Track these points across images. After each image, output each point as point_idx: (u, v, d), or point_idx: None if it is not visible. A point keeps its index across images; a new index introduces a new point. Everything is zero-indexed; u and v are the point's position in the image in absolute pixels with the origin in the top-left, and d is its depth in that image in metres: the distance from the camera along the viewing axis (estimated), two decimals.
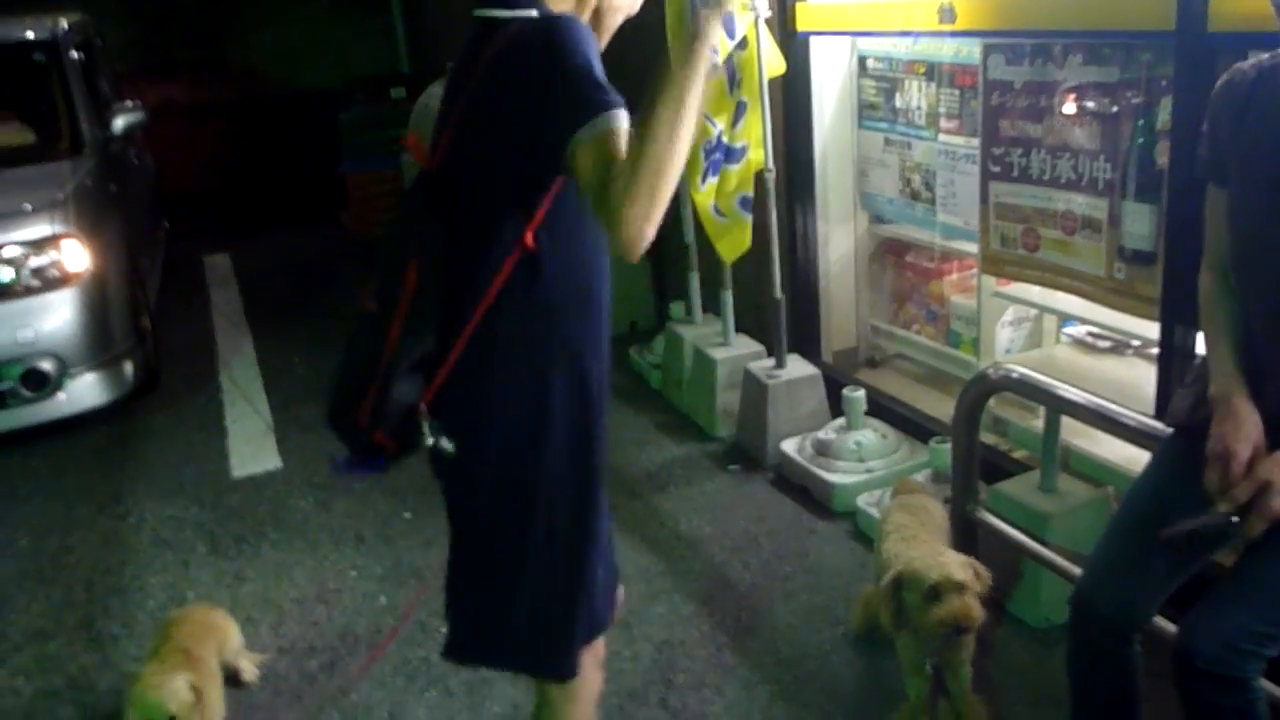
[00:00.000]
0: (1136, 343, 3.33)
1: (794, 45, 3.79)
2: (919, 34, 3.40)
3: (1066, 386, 2.44)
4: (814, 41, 3.86)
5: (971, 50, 3.33)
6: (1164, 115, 2.65)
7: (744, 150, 3.60)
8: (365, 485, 3.88)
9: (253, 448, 4.42)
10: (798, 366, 3.86)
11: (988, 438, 3.17)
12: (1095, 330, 3.45)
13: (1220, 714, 1.75)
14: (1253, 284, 1.87)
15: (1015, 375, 2.54)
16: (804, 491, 3.57)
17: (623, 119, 1.57)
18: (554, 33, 1.62)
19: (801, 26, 3.83)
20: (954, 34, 3.23)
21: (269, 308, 6.42)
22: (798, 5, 3.81)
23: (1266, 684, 1.78)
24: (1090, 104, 2.89)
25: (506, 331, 1.73)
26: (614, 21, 1.83)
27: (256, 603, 3.22)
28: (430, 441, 1.73)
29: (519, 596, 1.86)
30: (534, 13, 1.70)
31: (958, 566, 2.21)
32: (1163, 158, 2.67)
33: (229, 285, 7.02)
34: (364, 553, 3.48)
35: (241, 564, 3.48)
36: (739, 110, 3.55)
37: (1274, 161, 1.81)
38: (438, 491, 1.90)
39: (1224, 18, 2.35)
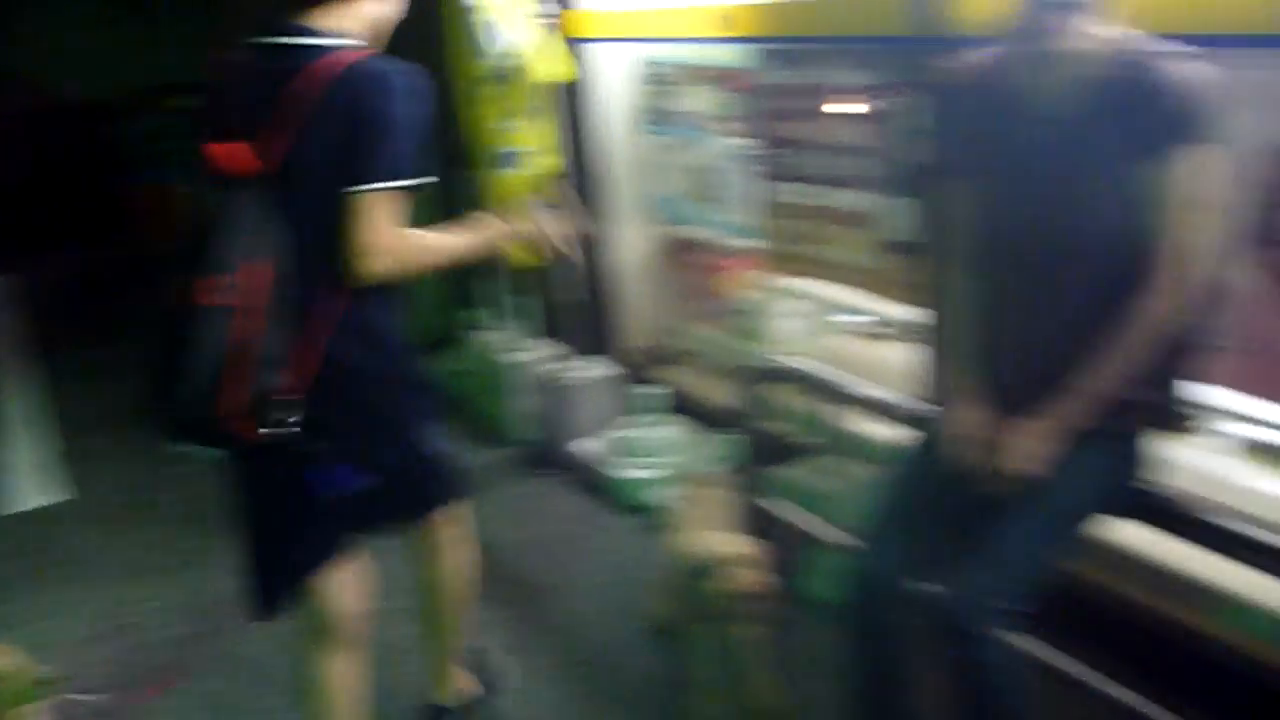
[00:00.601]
0: (903, 328, 3.51)
1: (576, 51, 3.85)
2: (696, 40, 3.50)
3: (833, 371, 2.57)
4: (597, 47, 3.93)
5: (748, 55, 3.45)
6: (911, 115, 2.82)
7: (520, 156, 3.62)
8: (160, 513, 3.73)
9: (39, 479, 4.17)
10: (595, 367, 3.92)
11: (778, 426, 3.29)
12: (867, 318, 3.62)
13: (980, 669, 1.91)
14: (994, 268, 2.03)
15: (784, 364, 2.66)
16: (601, 490, 3.63)
17: (413, 184, 1.95)
18: (401, 89, 1.94)
19: (583, 33, 3.89)
20: (729, 40, 3.34)
21: (52, 331, 6.02)
22: (577, 12, 3.86)
23: (1016, 638, 1.92)
24: (852, 105, 3.05)
25: (371, 311, 2.03)
26: (387, 30, 2.12)
27: (46, 643, 3.05)
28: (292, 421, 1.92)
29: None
30: (348, 41, 1.98)
31: (735, 544, 2.32)
32: (913, 154, 2.84)
33: (8, 309, 6.57)
34: (163, 583, 3.34)
35: (28, 603, 3.29)
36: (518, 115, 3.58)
37: (1012, 152, 1.97)
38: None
39: (954, 23, 2.53)
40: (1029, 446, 1.90)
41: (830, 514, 2.80)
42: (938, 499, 2.08)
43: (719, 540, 2.39)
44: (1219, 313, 2.00)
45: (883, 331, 3.63)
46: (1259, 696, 2.17)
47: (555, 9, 3.63)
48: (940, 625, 1.93)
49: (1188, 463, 2.32)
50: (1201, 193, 1.82)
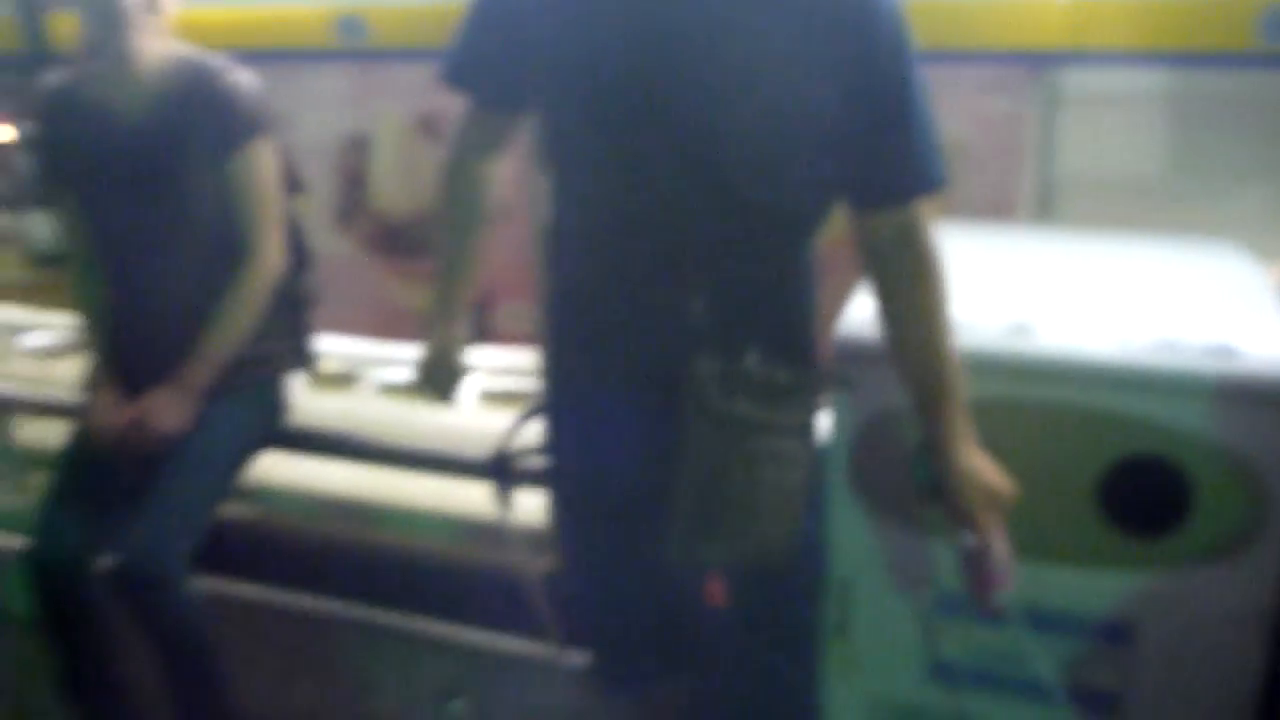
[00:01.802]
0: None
1: None
2: None
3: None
4: None
5: None
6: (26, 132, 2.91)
7: None
8: None
9: None
10: None
11: None
12: (45, 334, 3.60)
13: (159, 610, 2.12)
14: (108, 266, 2.25)
15: None
16: None
17: None
18: None
19: None
20: None
21: None
22: None
23: (194, 579, 2.18)
24: None
25: None
26: None
27: None
28: None
29: None
30: None
31: None
32: (35, 169, 2.92)
33: None
34: None
35: None
36: None
37: (103, 159, 2.18)
38: None
39: (56, 41, 2.69)
40: (167, 411, 2.16)
41: (14, 527, 2.81)
42: (102, 476, 2.25)
43: None
44: (312, 272, 2.45)
45: (65, 344, 3.65)
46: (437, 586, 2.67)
47: None
48: (117, 579, 2.10)
49: (333, 403, 2.78)
50: (265, 175, 2.21)
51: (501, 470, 1.98)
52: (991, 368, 1.56)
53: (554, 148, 1.54)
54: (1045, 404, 1.57)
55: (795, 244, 1.54)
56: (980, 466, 1.50)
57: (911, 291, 1.50)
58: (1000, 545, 1.49)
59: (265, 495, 2.86)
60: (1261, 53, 1.88)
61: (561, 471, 1.73)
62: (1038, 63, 2.05)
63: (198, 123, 2.17)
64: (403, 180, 2.56)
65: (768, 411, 1.48)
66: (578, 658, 1.96)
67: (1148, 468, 1.54)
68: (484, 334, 2.64)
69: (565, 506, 1.75)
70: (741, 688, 1.67)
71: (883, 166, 1.47)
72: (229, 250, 2.22)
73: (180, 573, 2.13)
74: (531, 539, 2.03)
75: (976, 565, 1.50)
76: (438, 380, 1.87)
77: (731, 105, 1.39)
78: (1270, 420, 1.49)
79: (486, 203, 1.74)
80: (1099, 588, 1.60)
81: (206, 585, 2.27)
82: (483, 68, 1.58)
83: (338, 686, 2.59)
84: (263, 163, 2.21)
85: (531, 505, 2.03)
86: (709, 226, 1.44)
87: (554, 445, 1.72)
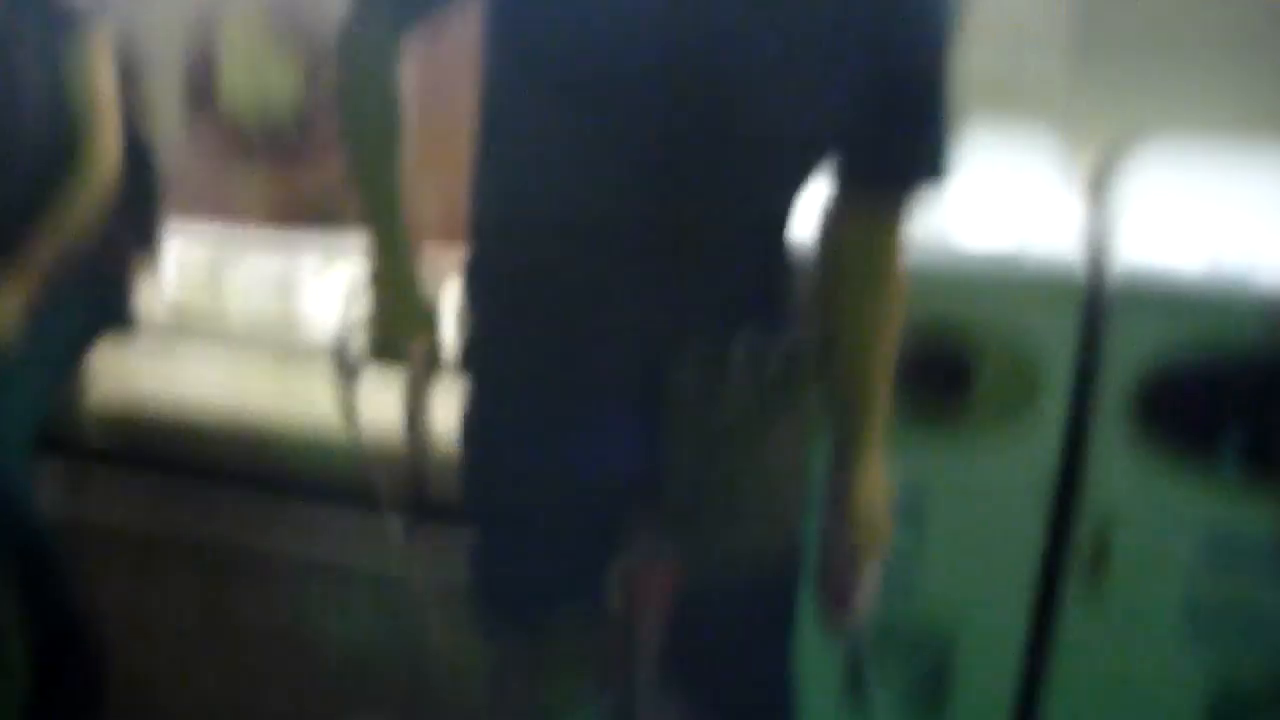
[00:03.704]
0: None
1: None
2: None
3: None
4: None
5: None
6: None
7: None
8: None
9: None
10: None
11: None
12: None
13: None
14: None
15: None
16: None
17: None
18: None
19: None
20: None
21: None
22: None
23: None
24: None
25: None
26: None
27: None
28: None
29: None
30: None
31: None
32: None
33: None
34: None
35: None
36: None
37: None
38: None
39: None
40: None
41: None
42: None
43: None
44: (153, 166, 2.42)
45: None
46: None
47: None
48: None
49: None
50: (96, 68, 2.17)
51: (343, 355, 1.48)
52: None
53: (509, 107, 1.29)
54: None
55: (780, 217, 1.36)
56: (879, 504, 1.44)
57: (873, 289, 1.38)
58: (871, 574, 1.46)
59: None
60: None
61: (504, 466, 1.45)
62: None
63: (22, 18, 2.12)
64: (253, 82, 2.54)
65: (755, 404, 1.37)
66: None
67: (935, 348, 1.64)
68: None
69: (502, 495, 1.47)
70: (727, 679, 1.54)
71: (885, 148, 1.30)
72: (61, 148, 2.18)
73: (19, 468, 2.13)
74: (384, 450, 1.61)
75: (838, 583, 1.46)
76: (388, 344, 1.42)
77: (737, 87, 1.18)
78: (1040, 306, 1.61)
79: (400, 98, 1.32)
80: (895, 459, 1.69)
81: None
82: None
83: (193, 606, 2.60)
84: (93, 55, 2.18)
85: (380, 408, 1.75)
86: (700, 216, 1.27)
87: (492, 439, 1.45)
